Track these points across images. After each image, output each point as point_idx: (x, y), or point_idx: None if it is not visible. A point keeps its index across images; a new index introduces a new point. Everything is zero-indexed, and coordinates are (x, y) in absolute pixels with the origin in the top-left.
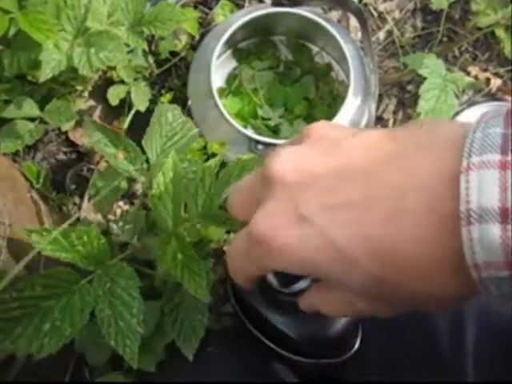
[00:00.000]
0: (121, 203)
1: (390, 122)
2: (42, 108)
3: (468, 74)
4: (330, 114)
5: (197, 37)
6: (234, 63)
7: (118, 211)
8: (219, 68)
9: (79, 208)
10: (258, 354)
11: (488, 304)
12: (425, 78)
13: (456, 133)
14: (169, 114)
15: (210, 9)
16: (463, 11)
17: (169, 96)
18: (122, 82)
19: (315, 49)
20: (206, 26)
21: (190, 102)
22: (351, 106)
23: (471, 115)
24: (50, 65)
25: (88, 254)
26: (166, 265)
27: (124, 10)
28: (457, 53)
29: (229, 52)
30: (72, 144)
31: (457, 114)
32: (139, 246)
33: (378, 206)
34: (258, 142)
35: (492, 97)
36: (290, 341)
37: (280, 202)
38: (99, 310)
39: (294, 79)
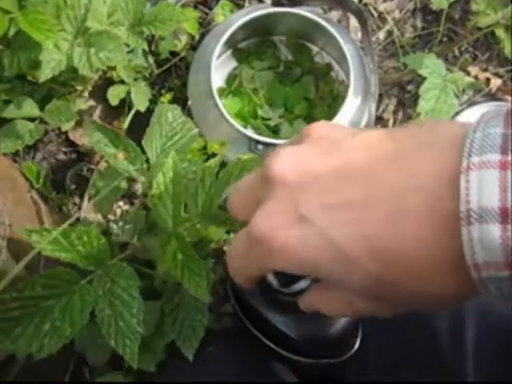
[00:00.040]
0: (121, 203)
1: (390, 122)
2: (41, 108)
3: (468, 74)
4: (330, 114)
5: (197, 37)
6: (233, 63)
7: (118, 211)
8: (219, 68)
9: (79, 208)
10: (258, 354)
11: (488, 304)
12: (425, 78)
13: (456, 133)
14: (169, 113)
15: (210, 9)
16: (463, 11)
17: (169, 96)
18: (122, 81)
19: (315, 49)
20: (205, 25)
21: (189, 102)
22: (351, 106)
23: (471, 115)
24: (50, 65)
25: (88, 254)
26: (166, 265)
27: (124, 10)
28: (457, 53)
29: (229, 52)
30: (72, 144)
31: (457, 113)
32: (139, 246)
33: (378, 206)
34: (257, 141)
35: (492, 97)
36: (289, 341)
37: (280, 202)
38: (99, 310)
39: (294, 79)
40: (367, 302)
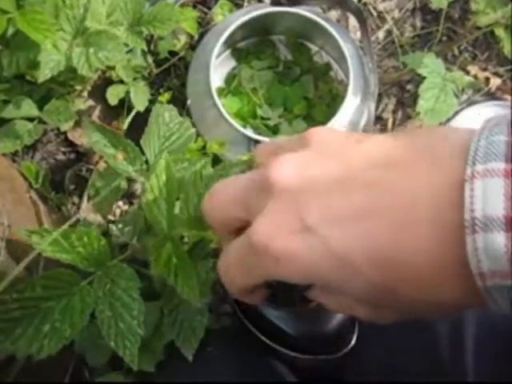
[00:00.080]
0: (120, 203)
1: (390, 122)
2: (40, 108)
3: (467, 73)
4: (329, 114)
5: (196, 36)
6: (233, 63)
7: (118, 211)
8: (218, 68)
9: (78, 208)
10: (257, 353)
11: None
12: (424, 78)
13: (460, 140)
14: (166, 114)
15: (209, 8)
16: (462, 10)
17: (167, 96)
18: (121, 81)
19: (314, 48)
20: (205, 25)
21: (189, 102)
22: (350, 105)
23: (470, 114)
24: (49, 65)
25: (88, 255)
26: (160, 268)
27: (123, 10)
28: (456, 52)
29: (228, 52)
30: (71, 144)
31: (456, 113)
32: (139, 246)
33: (383, 216)
34: (257, 141)
35: (491, 96)
36: (287, 337)
37: (281, 210)
38: (99, 312)
39: (293, 79)
40: (367, 309)
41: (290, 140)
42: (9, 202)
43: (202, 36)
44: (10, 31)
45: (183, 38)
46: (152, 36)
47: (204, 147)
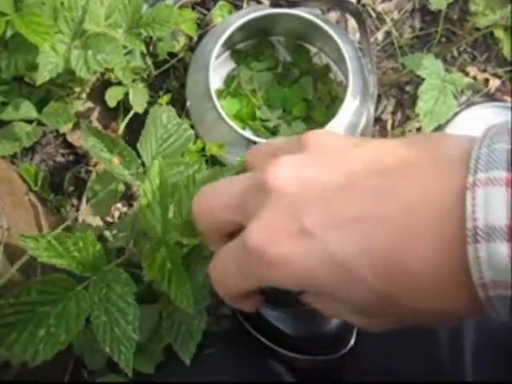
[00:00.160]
0: (119, 205)
1: (389, 123)
2: (39, 110)
3: (467, 74)
4: (328, 115)
5: (195, 38)
6: (232, 64)
7: (116, 213)
8: (217, 69)
9: (77, 210)
10: (256, 354)
11: None
12: (423, 79)
13: (462, 148)
14: (163, 116)
15: (208, 10)
16: (462, 12)
17: (166, 97)
18: (120, 83)
19: (313, 50)
20: (204, 27)
21: (188, 104)
22: (350, 106)
23: (470, 116)
24: (47, 67)
25: (84, 260)
26: (153, 273)
27: (121, 12)
28: (455, 53)
29: (227, 53)
30: (70, 146)
31: (455, 114)
32: (135, 250)
33: (386, 222)
34: (256, 143)
35: (491, 97)
36: (285, 337)
37: (278, 213)
38: (95, 317)
39: (292, 80)
40: (363, 317)
41: (286, 142)
42: (8, 204)
43: (201, 37)
44: (9, 33)
45: (182, 40)
46: (151, 38)
47: (203, 149)
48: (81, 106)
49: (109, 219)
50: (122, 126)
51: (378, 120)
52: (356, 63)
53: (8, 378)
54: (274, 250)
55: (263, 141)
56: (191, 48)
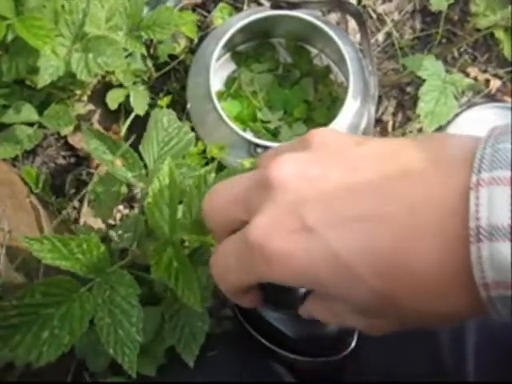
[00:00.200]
0: (121, 207)
1: (390, 124)
2: (40, 113)
3: (467, 75)
4: (329, 117)
5: (195, 40)
6: (232, 66)
7: (118, 215)
8: (218, 71)
9: (79, 212)
10: (257, 355)
11: None
12: (424, 80)
13: (466, 148)
14: (164, 119)
15: (209, 12)
16: (462, 12)
17: (167, 100)
18: (121, 85)
19: (314, 51)
20: (204, 29)
21: (188, 106)
22: (350, 108)
23: (471, 117)
24: (48, 71)
25: (88, 261)
26: (160, 272)
27: (122, 15)
28: (456, 54)
29: (228, 55)
30: (71, 148)
31: (456, 115)
32: (139, 252)
33: (385, 221)
34: (257, 145)
35: (491, 98)
36: (286, 339)
37: (281, 210)
38: (99, 319)
39: (293, 82)
40: (360, 319)
41: (291, 143)
42: (9, 207)
43: (201, 39)
44: (10, 37)
45: (183, 42)
46: (151, 40)
47: (204, 151)
48: (82, 108)
49: (110, 221)
50: (123, 129)
51: (378, 121)
52: (357, 64)
53: (12, 379)
54: (275, 245)
55: (264, 142)
56: (192, 50)
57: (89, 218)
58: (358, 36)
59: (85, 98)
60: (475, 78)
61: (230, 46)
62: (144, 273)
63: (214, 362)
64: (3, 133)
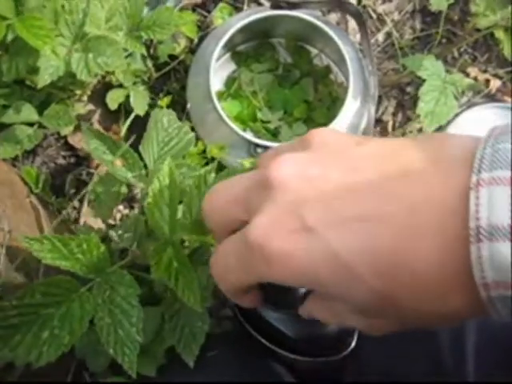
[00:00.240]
0: (121, 207)
1: (390, 124)
2: (40, 113)
3: (467, 75)
4: (329, 117)
5: (195, 40)
6: (232, 66)
7: (118, 215)
8: (218, 71)
9: (79, 212)
10: (257, 355)
11: None
12: (424, 80)
13: (467, 148)
14: (164, 119)
15: (209, 12)
16: (462, 12)
17: (167, 100)
18: (121, 86)
19: (314, 51)
20: (204, 29)
21: (188, 106)
22: (350, 108)
23: (471, 117)
24: (48, 71)
25: (88, 261)
26: (160, 272)
27: (122, 15)
28: (456, 54)
29: (228, 55)
30: (71, 148)
31: (456, 115)
32: (139, 252)
33: (387, 222)
34: (257, 145)
35: (491, 98)
36: (286, 339)
37: (281, 210)
38: (99, 319)
39: (293, 82)
40: (361, 319)
41: (291, 143)
42: (9, 207)
43: (201, 39)
44: (10, 37)
45: (183, 42)
46: (151, 40)
47: (204, 151)
48: (82, 108)
49: (110, 221)
50: (123, 129)
51: (378, 121)
52: (357, 64)
53: (12, 379)
54: (275, 245)
55: (264, 142)
56: (192, 50)
57: (89, 218)
58: (358, 36)
59: (85, 98)
60: (475, 78)
61: (230, 46)
62: (144, 273)
63: (214, 362)
64: (3, 133)
